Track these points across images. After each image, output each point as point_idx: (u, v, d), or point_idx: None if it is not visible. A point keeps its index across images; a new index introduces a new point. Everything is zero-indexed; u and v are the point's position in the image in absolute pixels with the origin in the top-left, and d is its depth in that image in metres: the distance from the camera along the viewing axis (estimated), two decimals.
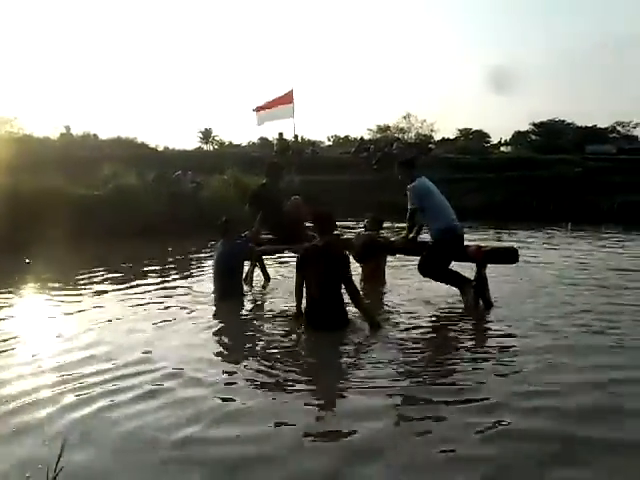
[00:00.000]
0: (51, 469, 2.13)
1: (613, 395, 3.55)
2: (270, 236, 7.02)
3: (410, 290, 6.54)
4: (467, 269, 5.98)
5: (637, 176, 20.47)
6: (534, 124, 59.18)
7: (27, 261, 8.38)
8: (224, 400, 3.49)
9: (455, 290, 6.00)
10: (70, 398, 3.49)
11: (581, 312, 5.51)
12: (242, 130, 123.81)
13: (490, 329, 5.19)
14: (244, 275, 6.92)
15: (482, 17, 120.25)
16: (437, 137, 49.36)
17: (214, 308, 5.93)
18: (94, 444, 2.93)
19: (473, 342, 4.83)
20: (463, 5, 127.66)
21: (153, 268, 8.46)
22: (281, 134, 23.67)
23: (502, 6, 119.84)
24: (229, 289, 6.22)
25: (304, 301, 5.13)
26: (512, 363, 4.16)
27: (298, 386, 3.74)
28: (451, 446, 2.90)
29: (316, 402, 3.53)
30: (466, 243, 5.99)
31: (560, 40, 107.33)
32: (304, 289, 5.12)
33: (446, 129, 58.86)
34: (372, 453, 2.84)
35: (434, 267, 5.80)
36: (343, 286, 4.98)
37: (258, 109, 20.30)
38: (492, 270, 6.01)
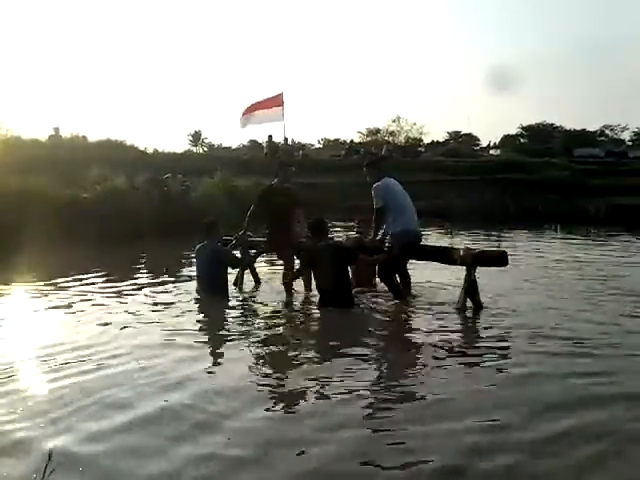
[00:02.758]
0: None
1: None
2: (259, 239, 7.00)
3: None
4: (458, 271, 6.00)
5: (625, 179, 20.72)
6: (523, 127, 59.67)
7: None
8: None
9: (450, 294, 6.13)
10: (54, 409, 3.43)
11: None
12: (232, 133, 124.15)
13: (476, 332, 5.21)
14: (234, 279, 6.97)
15: (471, 20, 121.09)
16: (427, 140, 49.70)
17: (201, 305, 6.06)
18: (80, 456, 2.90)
19: (457, 342, 4.84)
20: (452, 8, 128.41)
21: (141, 271, 8.41)
22: (270, 137, 23.69)
23: (492, 8, 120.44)
24: (213, 289, 6.33)
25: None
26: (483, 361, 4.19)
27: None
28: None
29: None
30: (455, 246, 6.03)
31: (549, 42, 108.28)
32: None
33: (436, 132, 59.04)
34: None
35: (386, 268, 5.94)
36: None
37: (244, 112, 20.24)
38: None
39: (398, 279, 6.20)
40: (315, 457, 2.79)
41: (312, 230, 6.06)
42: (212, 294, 6.30)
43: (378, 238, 6.13)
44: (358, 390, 3.65)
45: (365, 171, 6.33)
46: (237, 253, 7.04)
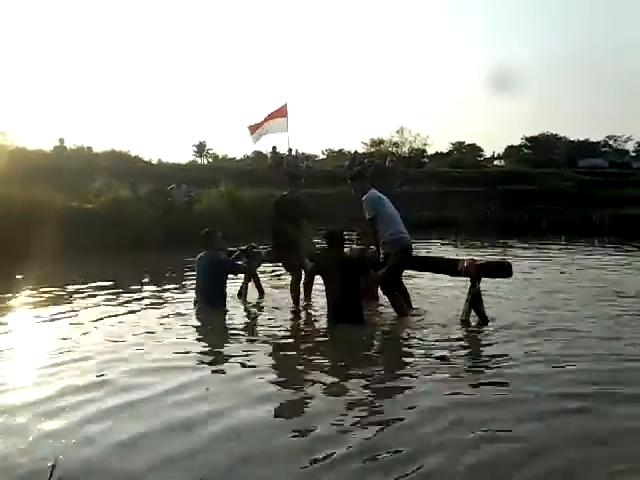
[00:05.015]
0: None
1: None
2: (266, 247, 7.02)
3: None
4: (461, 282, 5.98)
5: (629, 189, 20.70)
6: (526, 138, 59.71)
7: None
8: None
9: (452, 303, 6.14)
10: (60, 414, 3.44)
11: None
12: (236, 143, 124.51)
13: (479, 344, 5.18)
14: (238, 290, 6.95)
15: (473, 28, 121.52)
16: (430, 151, 49.82)
17: (199, 317, 6.05)
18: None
19: (460, 357, 4.77)
20: (453, 17, 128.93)
21: (145, 281, 8.43)
22: (275, 147, 23.74)
23: (493, 18, 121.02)
24: (211, 299, 6.31)
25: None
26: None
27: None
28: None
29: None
30: (459, 257, 6.02)
31: (552, 50, 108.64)
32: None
33: (440, 142, 59.18)
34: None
35: (389, 281, 5.90)
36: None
37: (252, 129, 20.35)
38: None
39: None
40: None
41: (328, 240, 5.97)
42: (209, 305, 6.28)
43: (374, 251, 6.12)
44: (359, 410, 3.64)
45: (350, 184, 6.32)
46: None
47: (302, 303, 6.55)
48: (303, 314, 6.26)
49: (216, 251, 6.48)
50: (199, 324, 5.87)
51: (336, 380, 4.10)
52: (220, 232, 6.64)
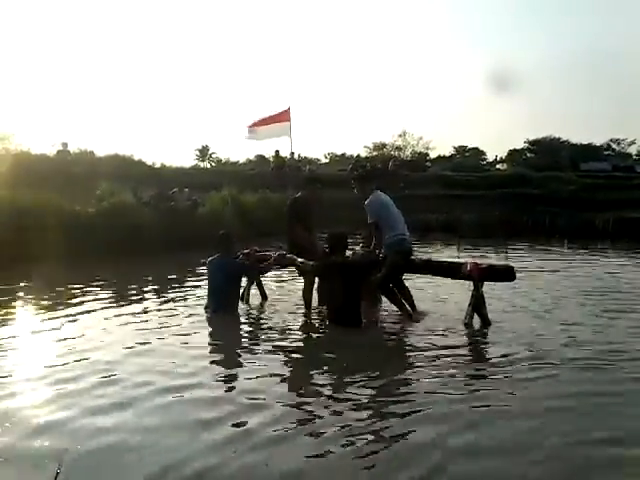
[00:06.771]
0: None
1: None
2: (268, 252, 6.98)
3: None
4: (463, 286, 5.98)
5: (631, 193, 20.69)
6: (529, 142, 59.65)
7: None
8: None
9: (456, 306, 6.15)
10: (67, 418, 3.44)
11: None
12: (239, 147, 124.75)
13: (482, 347, 5.19)
14: (241, 294, 6.93)
15: (477, 34, 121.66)
16: (433, 154, 49.86)
17: (209, 323, 5.99)
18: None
19: (463, 360, 4.80)
20: (455, 23, 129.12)
21: (149, 286, 8.42)
22: (277, 151, 23.74)
23: (496, 23, 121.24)
24: (224, 303, 6.24)
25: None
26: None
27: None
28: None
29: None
30: (462, 261, 6.03)
31: (554, 53, 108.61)
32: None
33: (442, 146, 59.29)
34: None
35: (385, 280, 5.90)
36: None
37: (252, 124, 20.34)
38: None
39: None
40: None
41: (330, 243, 5.95)
42: (221, 309, 6.19)
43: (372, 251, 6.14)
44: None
45: (353, 184, 6.32)
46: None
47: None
48: (306, 318, 6.23)
49: (228, 255, 6.37)
50: (207, 326, 5.86)
51: (336, 383, 4.11)
52: (232, 235, 6.55)
